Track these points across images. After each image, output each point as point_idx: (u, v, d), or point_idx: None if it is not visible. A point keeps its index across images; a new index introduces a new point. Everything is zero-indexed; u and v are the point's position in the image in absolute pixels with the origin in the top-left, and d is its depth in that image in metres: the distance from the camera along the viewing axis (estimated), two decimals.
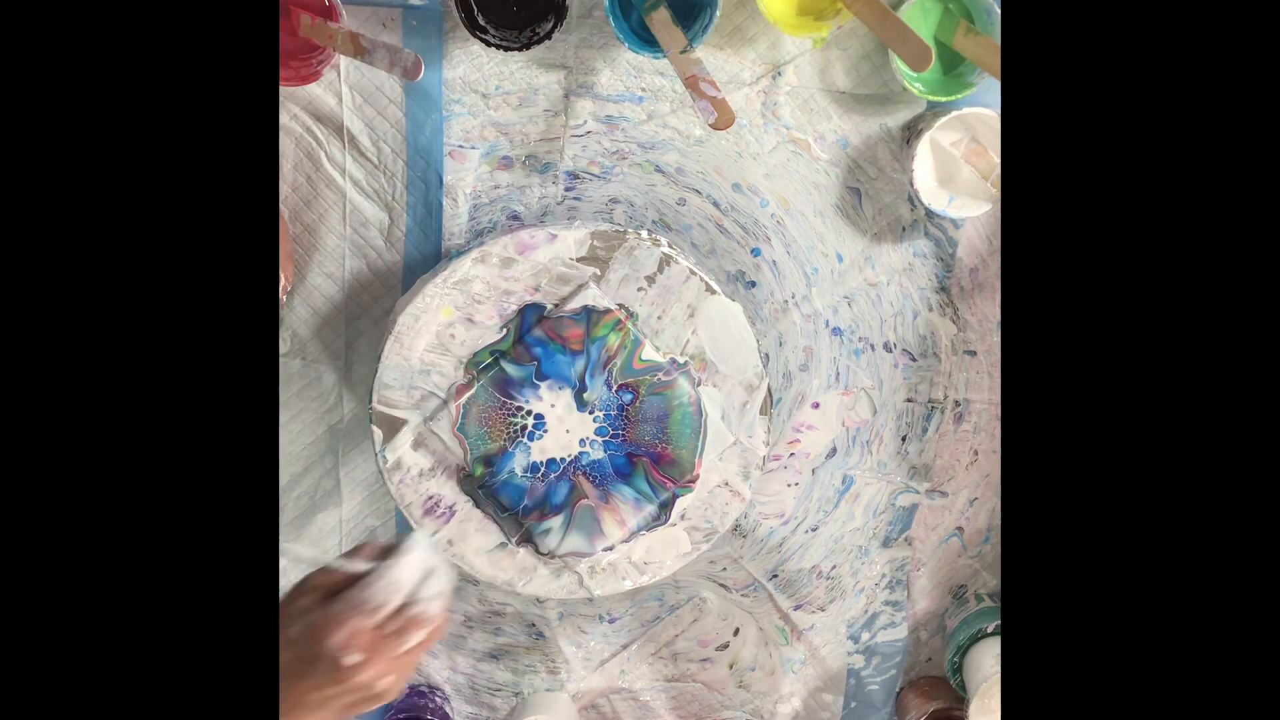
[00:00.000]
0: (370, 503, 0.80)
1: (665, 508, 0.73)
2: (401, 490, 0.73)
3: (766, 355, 0.75)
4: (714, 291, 0.70)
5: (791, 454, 0.80)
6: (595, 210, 0.75)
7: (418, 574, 0.57)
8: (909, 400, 0.79)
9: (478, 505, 0.73)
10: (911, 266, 0.76)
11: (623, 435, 0.71)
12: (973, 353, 0.79)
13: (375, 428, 0.71)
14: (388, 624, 0.56)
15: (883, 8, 0.63)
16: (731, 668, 0.85)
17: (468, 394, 0.70)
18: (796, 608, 0.83)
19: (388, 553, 0.58)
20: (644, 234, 0.69)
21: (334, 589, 0.57)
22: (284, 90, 0.70)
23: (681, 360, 0.71)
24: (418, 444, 0.71)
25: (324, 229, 0.74)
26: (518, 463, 0.72)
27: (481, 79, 0.71)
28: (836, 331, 0.78)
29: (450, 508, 0.73)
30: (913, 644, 0.85)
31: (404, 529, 0.80)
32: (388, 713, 0.81)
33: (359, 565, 0.57)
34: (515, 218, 0.75)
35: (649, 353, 0.70)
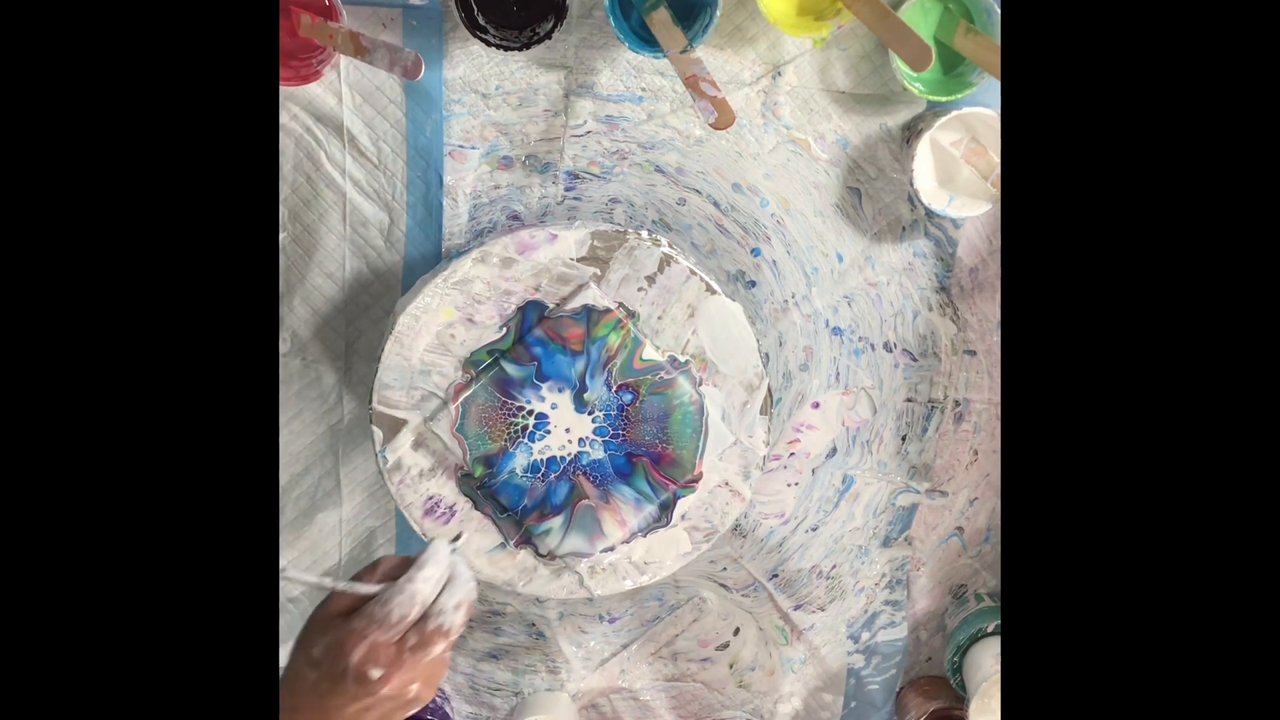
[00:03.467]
0: (370, 503, 0.80)
1: (666, 509, 0.73)
2: (401, 490, 0.73)
3: (766, 355, 0.75)
4: (714, 291, 0.70)
5: (791, 454, 0.80)
6: (595, 210, 0.75)
7: (435, 586, 0.57)
8: (909, 400, 0.79)
9: (477, 506, 0.73)
10: (911, 266, 0.76)
11: (623, 435, 0.71)
12: (973, 353, 0.79)
13: (375, 428, 0.71)
14: (409, 636, 0.56)
15: (883, 8, 0.63)
16: (731, 668, 0.85)
17: (465, 393, 0.70)
18: (796, 607, 0.83)
19: (405, 565, 0.58)
20: (644, 234, 0.69)
21: (353, 607, 0.57)
22: (284, 90, 0.70)
23: (682, 359, 0.70)
24: (418, 444, 0.71)
25: (324, 229, 0.74)
26: (518, 463, 0.71)
27: (481, 79, 0.71)
28: (836, 331, 0.78)
29: (450, 508, 0.73)
30: (913, 644, 0.85)
31: (404, 529, 0.80)
32: None
33: (370, 587, 0.57)
34: (515, 218, 0.75)
35: (649, 352, 0.70)
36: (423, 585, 0.57)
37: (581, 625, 0.83)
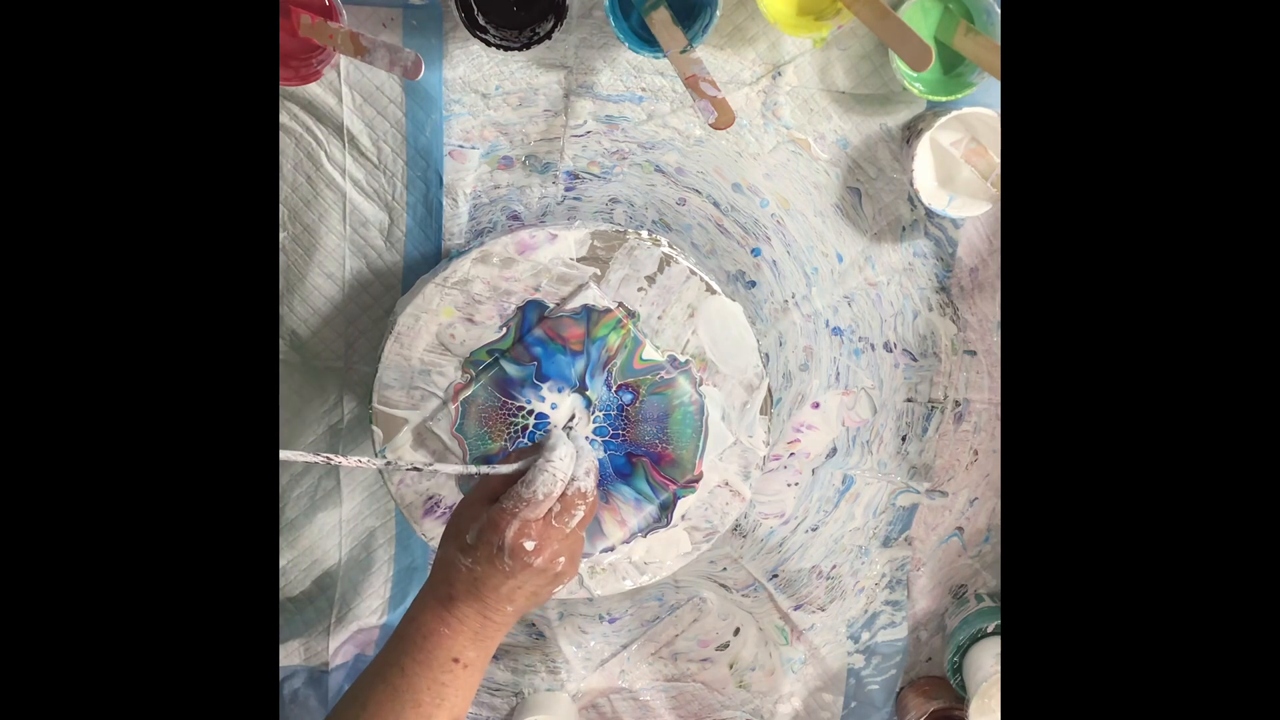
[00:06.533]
0: (370, 503, 0.80)
1: (666, 509, 0.73)
2: (401, 490, 0.73)
3: (766, 355, 0.75)
4: (714, 291, 0.70)
5: (791, 454, 0.80)
6: (595, 210, 0.75)
7: (570, 462, 0.64)
8: (909, 400, 0.79)
9: None
10: (911, 266, 0.76)
11: (623, 435, 0.71)
12: (973, 353, 0.79)
13: (375, 428, 0.71)
14: (552, 508, 0.62)
15: (883, 8, 0.63)
16: (731, 668, 0.85)
17: (465, 393, 0.70)
18: (796, 608, 0.83)
19: (533, 451, 0.65)
20: (644, 234, 0.69)
21: (494, 494, 0.63)
22: (284, 90, 0.70)
23: (682, 359, 0.70)
24: (418, 444, 0.71)
25: (324, 229, 0.74)
26: None
27: (481, 79, 0.71)
28: (836, 331, 0.78)
29: (450, 508, 0.73)
30: (913, 644, 0.85)
31: (404, 529, 0.80)
32: None
33: (511, 467, 0.65)
34: (515, 218, 0.75)
35: (649, 352, 0.70)
36: (560, 463, 0.63)
37: (581, 625, 0.83)
